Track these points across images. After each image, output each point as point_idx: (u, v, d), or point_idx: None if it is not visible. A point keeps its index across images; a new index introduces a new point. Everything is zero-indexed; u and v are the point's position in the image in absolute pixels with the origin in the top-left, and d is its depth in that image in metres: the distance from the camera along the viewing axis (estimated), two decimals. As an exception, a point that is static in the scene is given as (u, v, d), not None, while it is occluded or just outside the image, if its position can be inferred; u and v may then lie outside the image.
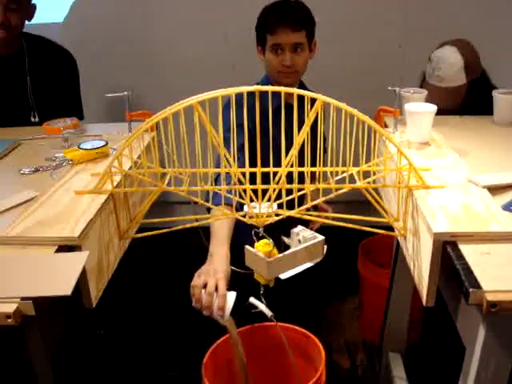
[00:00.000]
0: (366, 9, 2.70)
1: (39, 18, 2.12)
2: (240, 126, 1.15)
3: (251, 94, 1.05)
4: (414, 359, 2.07)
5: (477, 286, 0.88)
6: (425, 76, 1.92)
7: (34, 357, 0.96)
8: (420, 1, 2.70)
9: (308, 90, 1.07)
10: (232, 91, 1.07)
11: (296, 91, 1.05)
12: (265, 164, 1.13)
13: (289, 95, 1.06)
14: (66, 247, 1.04)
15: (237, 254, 1.28)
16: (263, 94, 1.06)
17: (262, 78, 1.98)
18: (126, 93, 1.47)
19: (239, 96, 1.07)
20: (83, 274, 1.01)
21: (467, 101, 1.89)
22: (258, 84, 1.07)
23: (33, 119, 2.06)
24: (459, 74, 1.83)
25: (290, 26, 1.81)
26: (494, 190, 1.20)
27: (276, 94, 1.07)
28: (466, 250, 0.98)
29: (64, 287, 0.90)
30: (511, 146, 1.54)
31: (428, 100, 1.68)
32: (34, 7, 2.05)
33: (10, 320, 0.87)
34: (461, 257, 0.96)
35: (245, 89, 1.07)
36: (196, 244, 1.46)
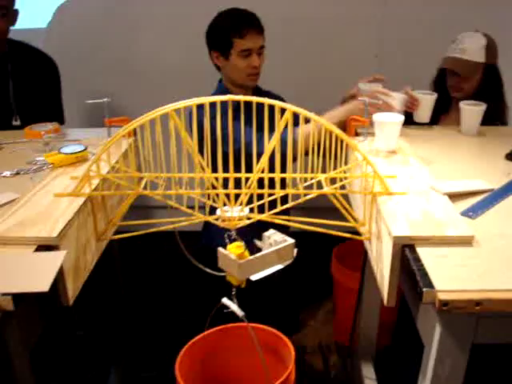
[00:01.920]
0: (345, 16, 2.79)
1: (23, 23, 2.16)
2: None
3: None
4: (384, 362, 2.12)
5: (430, 285, 0.94)
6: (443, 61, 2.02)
7: (12, 349, 1.00)
8: (396, 15, 2.79)
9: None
10: (206, 100, 1.12)
11: (268, 101, 1.10)
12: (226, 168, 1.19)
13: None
14: (45, 247, 1.08)
15: (210, 257, 1.33)
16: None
17: (218, 86, 2.04)
18: (105, 99, 1.52)
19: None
20: (61, 272, 1.05)
21: (480, 88, 1.99)
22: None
23: (14, 123, 2.09)
24: (480, 51, 1.94)
25: (256, 29, 1.91)
26: (455, 196, 1.27)
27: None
28: (423, 252, 1.04)
29: (42, 284, 0.94)
30: (474, 156, 1.62)
31: (448, 71, 1.91)
32: (16, 12, 2.08)
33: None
34: (417, 259, 1.02)
35: (218, 98, 1.12)
36: (172, 247, 1.50)
